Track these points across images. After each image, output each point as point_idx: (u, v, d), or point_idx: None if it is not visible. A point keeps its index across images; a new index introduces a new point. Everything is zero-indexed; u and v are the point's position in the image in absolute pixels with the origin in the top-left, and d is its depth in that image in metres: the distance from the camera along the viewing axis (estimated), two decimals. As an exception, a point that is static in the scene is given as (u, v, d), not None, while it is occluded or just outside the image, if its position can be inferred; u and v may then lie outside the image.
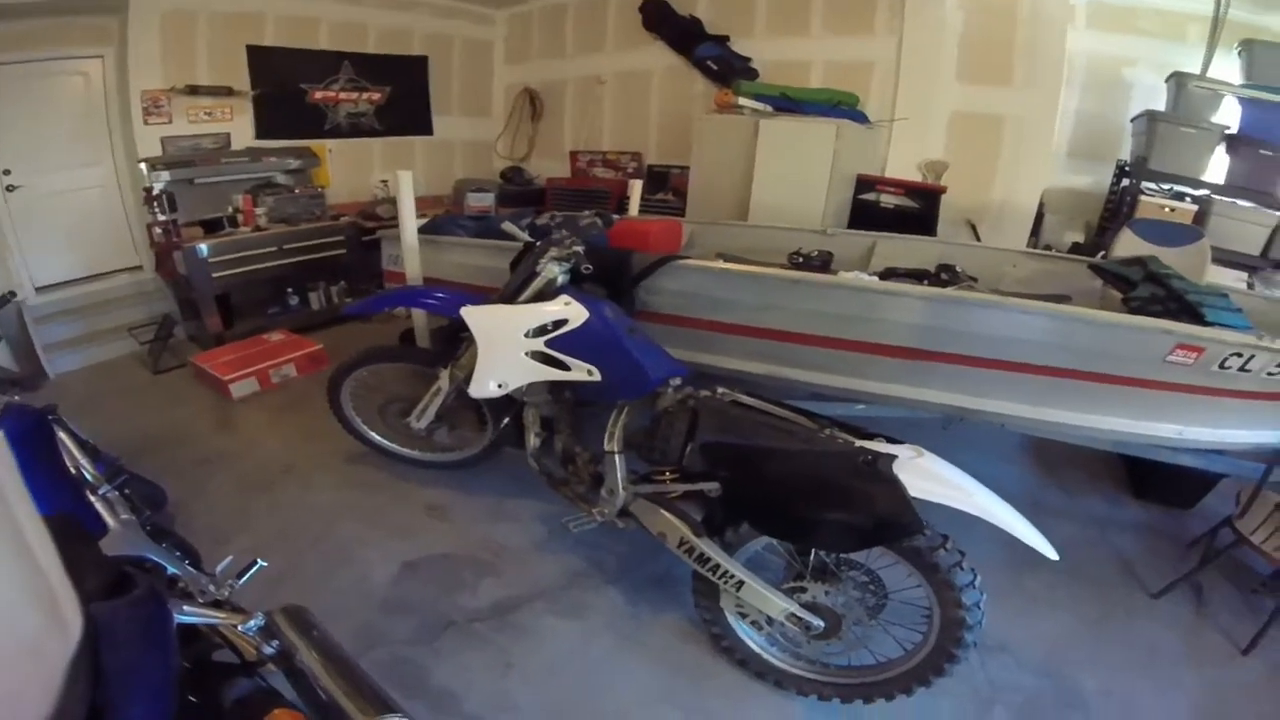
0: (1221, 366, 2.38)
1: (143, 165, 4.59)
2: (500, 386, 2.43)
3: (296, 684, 0.97)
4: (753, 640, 2.27)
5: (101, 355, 4.59)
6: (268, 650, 1.00)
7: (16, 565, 0.55)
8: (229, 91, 5.08)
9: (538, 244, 2.59)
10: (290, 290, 5.15)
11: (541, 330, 2.35)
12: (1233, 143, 4.53)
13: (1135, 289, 2.96)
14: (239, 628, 1.00)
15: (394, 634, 2.41)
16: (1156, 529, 3.20)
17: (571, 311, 2.33)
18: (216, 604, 1.07)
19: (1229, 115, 4.58)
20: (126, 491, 1.81)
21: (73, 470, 1.79)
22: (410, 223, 3.37)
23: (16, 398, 2.36)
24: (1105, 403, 2.57)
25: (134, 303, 4.87)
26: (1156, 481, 3.33)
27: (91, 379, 4.36)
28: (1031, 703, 2.29)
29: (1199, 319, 2.51)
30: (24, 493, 0.59)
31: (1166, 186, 4.65)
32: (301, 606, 1.09)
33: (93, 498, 1.53)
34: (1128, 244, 3.80)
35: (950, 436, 2.79)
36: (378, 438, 3.32)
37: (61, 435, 1.93)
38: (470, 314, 2.48)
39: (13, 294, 4.07)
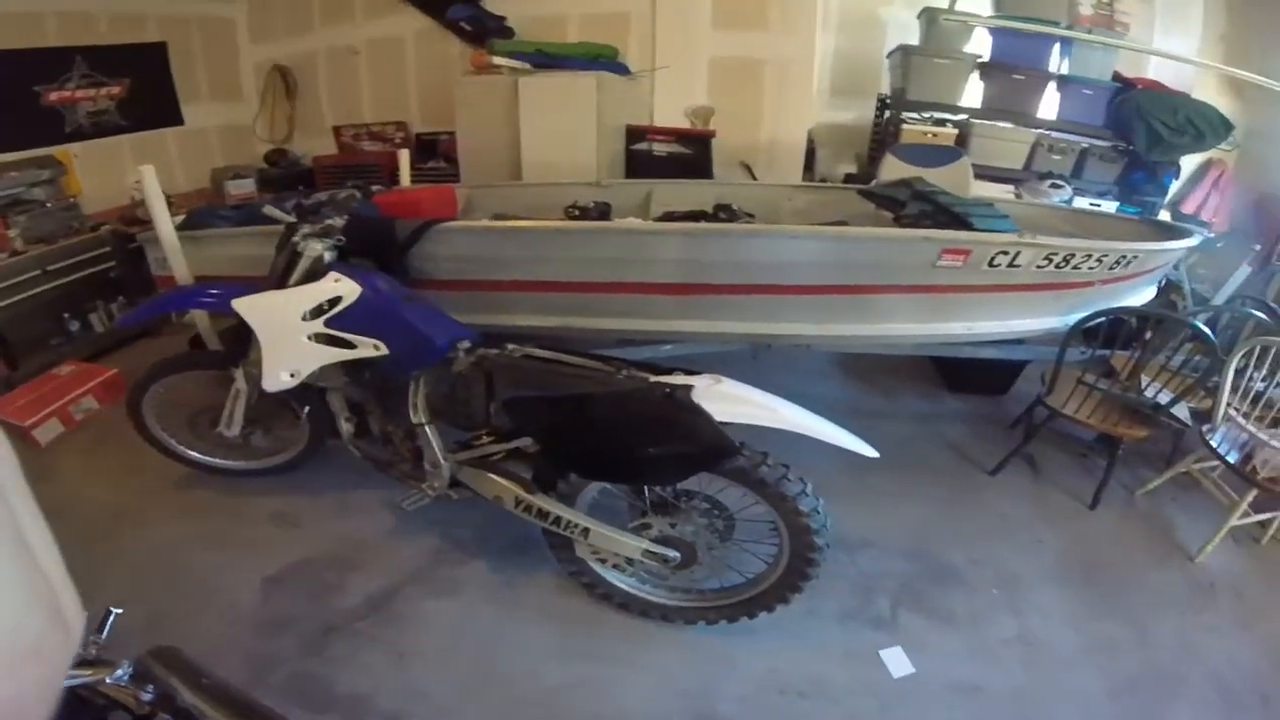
0: (991, 265, 2.61)
1: None
2: (293, 376, 2.38)
3: None
4: (623, 582, 2.34)
5: None
6: (145, 697, 0.97)
7: (19, 567, 0.55)
8: None
9: (298, 224, 2.53)
10: (68, 316, 4.66)
11: (318, 311, 2.30)
12: (986, 69, 4.97)
13: (905, 208, 3.19)
14: (108, 680, 0.96)
15: (281, 654, 2.32)
16: (978, 416, 3.50)
17: (343, 288, 2.29)
18: (83, 664, 0.98)
19: (981, 45, 5.00)
20: None
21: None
22: (165, 221, 3.14)
23: None
24: (894, 312, 2.77)
25: None
26: (967, 376, 3.63)
27: None
28: (908, 585, 2.46)
29: (968, 227, 2.72)
30: (27, 493, 0.60)
31: (926, 115, 5.04)
32: (169, 646, 1.07)
33: None
34: (892, 168, 4.16)
35: (764, 364, 2.96)
36: (198, 455, 3.12)
37: None
38: (242, 305, 2.39)
39: None
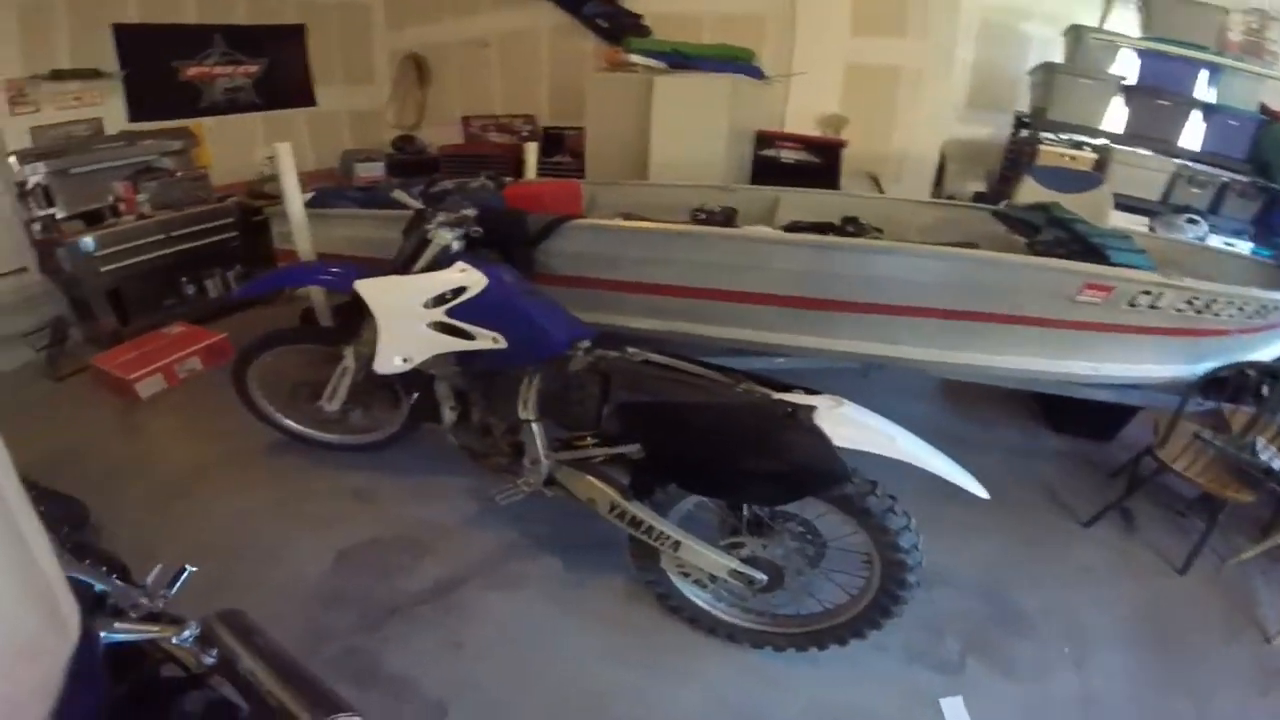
0: (1131, 304, 2.44)
1: (12, 159, 4.17)
2: (405, 361, 2.34)
3: (243, 691, 0.94)
4: (699, 598, 2.25)
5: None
6: (207, 660, 0.97)
7: (16, 566, 0.54)
8: (96, 74, 4.66)
9: (429, 211, 2.48)
10: (185, 279, 4.80)
11: (440, 300, 2.26)
12: (1130, 93, 4.69)
13: (1039, 233, 3.02)
14: (174, 640, 0.95)
15: (339, 627, 2.33)
16: (1076, 458, 3.28)
17: (469, 278, 2.25)
18: (152, 617, 1.02)
19: (1127, 66, 4.72)
20: (41, 509, 1.73)
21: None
22: (295, 197, 3.19)
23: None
24: (1018, 343, 2.61)
25: (24, 308, 4.42)
26: (1073, 415, 3.39)
27: None
28: (980, 628, 2.35)
29: (1104, 260, 2.55)
30: (22, 494, 0.58)
31: (1065, 136, 4.76)
32: (237, 610, 1.06)
33: None
34: (1029, 191, 3.95)
35: (870, 382, 2.84)
36: (292, 424, 3.17)
37: None
38: (365, 287, 2.37)
39: None
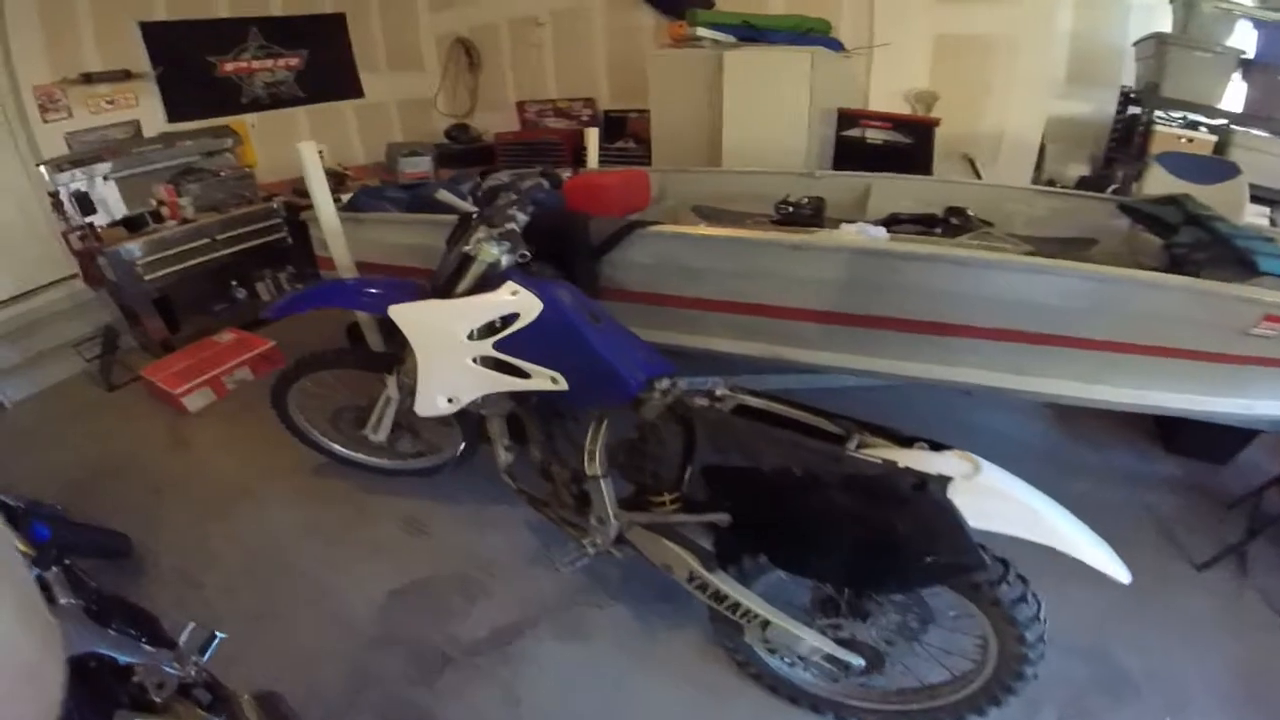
0: None
1: (42, 169, 4.08)
2: (450, 402, 2.03)
3: None
4: (783, 670, 1.99)
5: (53, 377, 4.21)
6: None
7: (14, 593, 0.54)
8: (127, 75, 4.56)
9: (475, 215, 2.13)
10: (235, 283, 4.69)
11: (489, 329, 1.92)
12: (1249, 69, 4.19)
13: (1176, 233, 2.62)
14: None
15: (387, 674, 2.19)
16: (1192, 486, 2.96)
17: (521, 303, 1.88)
18: (184, 688, 1.00)
19: (1243, 39, 4.22)
20: (67, 563, 1.62)
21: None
22: (326, 202, 2.92)
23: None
24: (1170, 378, 2.23)
25: (74, 316, 4.38)
26: (1188, 436, 3.05)
27: (45, 405, 4.01)
28: (1078, 696, 2.10)
29: (1251, 267, 2.22)
30: (7, 531, 0.62)
31: (1178, 115, 4.29)
32: (275, 694, 1.05)
33: None
34: (1158, 180, 3.52)
35: (969, 398, 2.60)
36: (338, 448, 2.96)
37: None
38: (400, 314, 2.03)
39: None
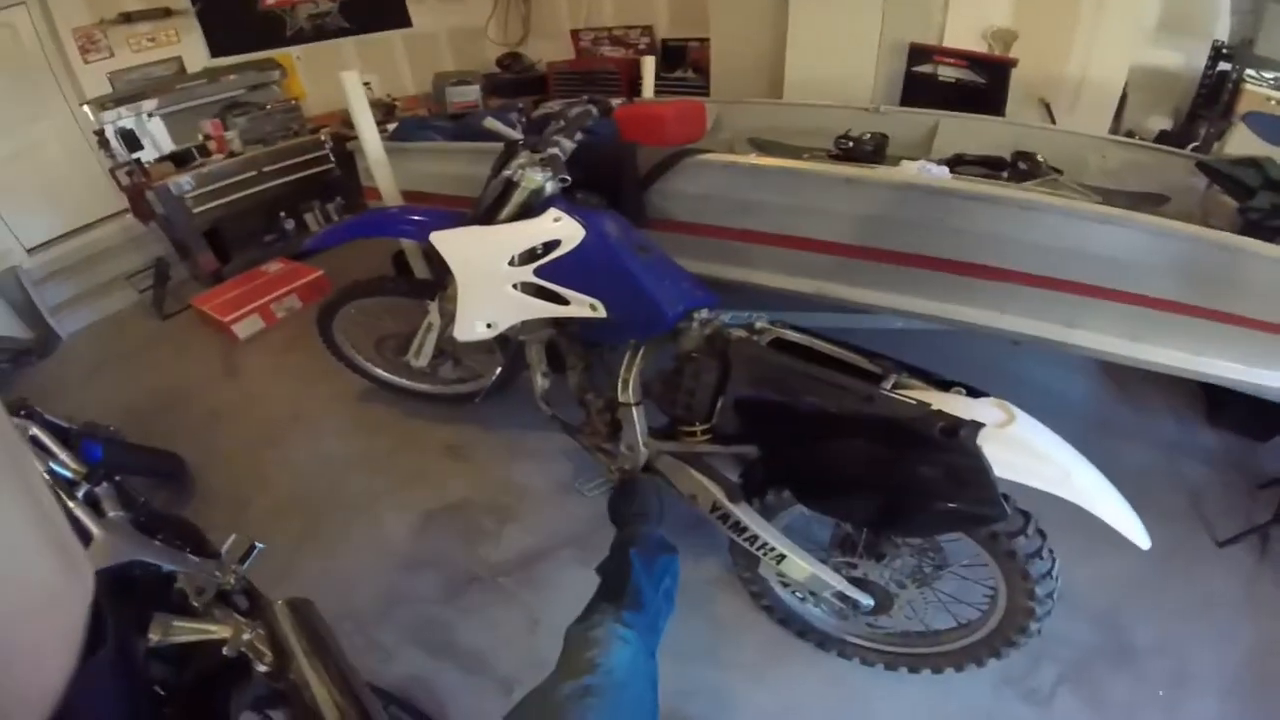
0: None
1: (86, 108, 4.14)
2: (489, 327, 2.02)
3: (289, 696, 0.93)
4: (795, 605, 2.05)
5: (108, 308, 4.36)
6: (261, 668, 0.95)
7: (33, 510, 0.51)
8: (167, 13, 4.51)
9: (520, 143, 2.07)
10: (284, 215, 4.75)
11: (530, 255, 1.89)
12: None
13: (1253, 197, 2.48)
14: (226, 650, 0.93)
15: (417, 592, 2.30)
16: (1228, 460, 2.89)
17: (563, 230, 1.86)
18: (222, 595, 1.03)
19: None
20: (117, 480, 1.71)
21: (45, 477, 1.60)
22: (371, 132, 2.91)
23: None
24: (1231, 346, 2.11)
25: (128, 249, 4.54)
26: (1235, 408, 2.93)
27: (100, 335, 4.17)
28: (1082, 658, 2.13)
29: None
30: (21, 443, 0.53)
31: (1272, 75, 3.97)
32: (306, 601, 1.04)
33: (71, 504, 1.44)
34: (1242, 140, 3.44)
35: (1019, 349, 2.53)
36: (383, 373, 3.03)
37: (35, 432, 1.88)
38: (442, 240, 2.03)
39: None
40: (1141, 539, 1.51)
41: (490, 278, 1.95)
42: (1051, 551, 1.59)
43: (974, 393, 1.54)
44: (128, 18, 4.39)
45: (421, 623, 2.19)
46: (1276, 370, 2.12)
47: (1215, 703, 2.07)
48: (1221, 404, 3.02)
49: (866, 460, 1.52)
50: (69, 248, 4.40)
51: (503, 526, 2.52)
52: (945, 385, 1.58)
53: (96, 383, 3.63)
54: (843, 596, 1.78)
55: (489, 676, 2.04)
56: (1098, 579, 2.32)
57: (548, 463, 2.75)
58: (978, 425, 1.38)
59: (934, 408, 1.44)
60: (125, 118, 4.18)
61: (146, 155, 4.24)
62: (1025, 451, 1.44)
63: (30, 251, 4.25)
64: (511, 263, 1.91)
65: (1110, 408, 3.13)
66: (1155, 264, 2.03)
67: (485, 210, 2.01)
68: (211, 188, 4.23)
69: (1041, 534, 1.58)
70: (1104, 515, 1.48)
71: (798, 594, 1.98)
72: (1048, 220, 2.08)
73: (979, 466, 1.38)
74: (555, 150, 1.94)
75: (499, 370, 2.68)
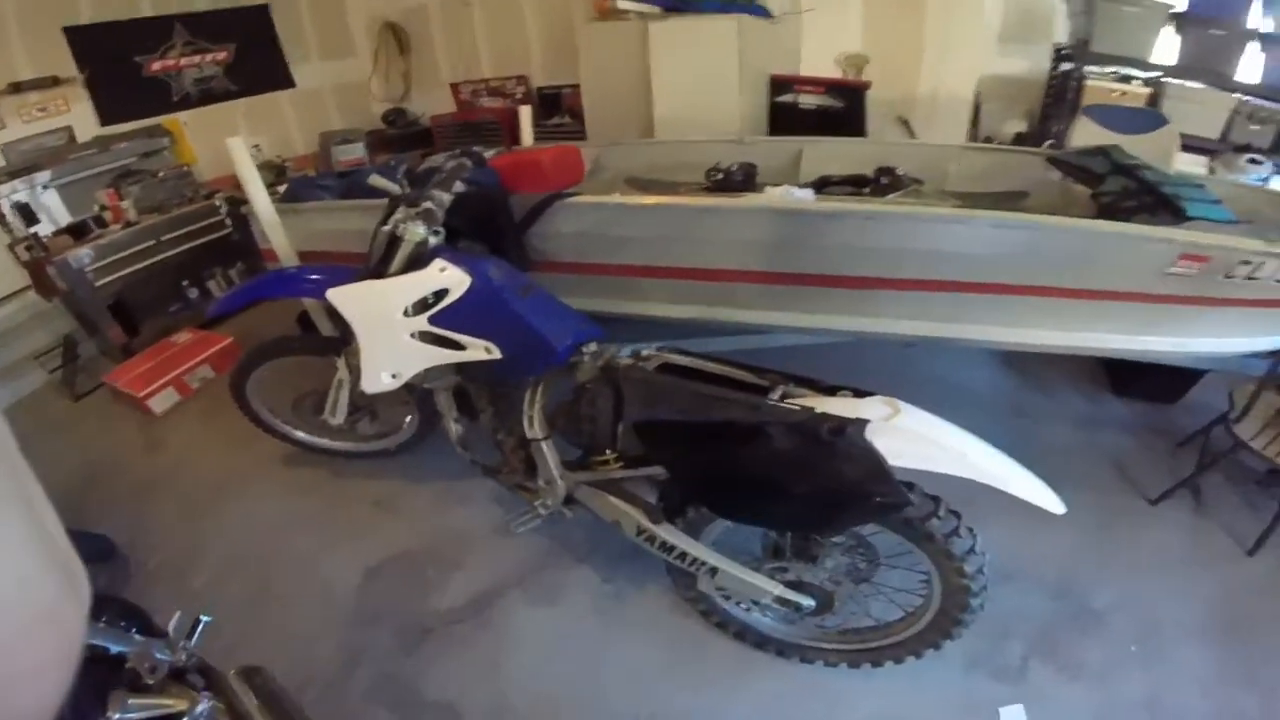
0: (1228, 276, 2.17)
1: None
2: (394, 377, 2.14)
3: None
4: (743, 616, 2.14)
5: (18, 391, 4.22)
6: None
7: (35, 534, 0.54)
8: (55, 81, 4.50)
9: (403, 198, 2.21)
10: (186, 283, 4.72)
11: (423, 305, 2.03)
12: (1181, 21, 4.34)
13: (1103, 182, 2.74)
14: (185, 716, 0.96)
15: (373, 649, 2.32)
16: (1143, 426, 3.12)
17: (450, 278, 2.00)
18: (177, 673, 1.03)
19: None
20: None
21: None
22: (260, 194, 2.98)
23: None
24: (1096, 319, 2.37)
25: (33, 327, 4.40)
26: (1137, 378, 3.19)
27: (13, 420, 3.70)
28: (1046, 630, 2.24)
29: (1178, 212, 2.32)
30: (23, 462, 0.57)
31: (1111, 70, 4.43)
32: (259, 668, 1.09)
33: None
34: (1086, 132, 3.65)
35: (915, 351, 2.69)
36: (303, 435, 3.08)
37: None
38: (338, 296, 2.15)
39: None
40: (1054, 504, 1.57)
41: (388, 329, 2.08)
42: (971, 530, 1.68)
43: (860, 394, 1.62)
44: (17, 88, 4.36)
45: (385, 680, 2.21)
46: (1154, 335, 2.38)
47: (1189, 647, 2.17)
48: (1123, 375, 3.23)
49: (764, 468, 1.59)
50: None
51: (447, 574, 2.57)
52: (832, 390, 1.66)
53: None
54: (783, 600, 1.86)
55: None
56: (1042, 555, 2.43)
57: (480, 507, 2.83)
58: (864, 421, 1.46)
59: (819, 410, 1.52)
60: (19, 190, 4.15)
61: (44, 229, 4.20)
62: (916, 439, 1.52)
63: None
64: (406, 313, 2.04)
65: (1018, 394, 3.31)
66: (1009, 254, 2.26)
67: (376, 264, 2.15)
68: (112, 259, 4.20)
69: (956, 515, 1.67)
70: (1007, 488, 1.55)
71: (741, 604, 2.06)
72: (901, 226, 2.29)
73: (872, 459, 1.45)
74: (430, 204, 2.09)
75: (410, 420, 2.79)
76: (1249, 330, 2.40)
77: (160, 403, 3.85)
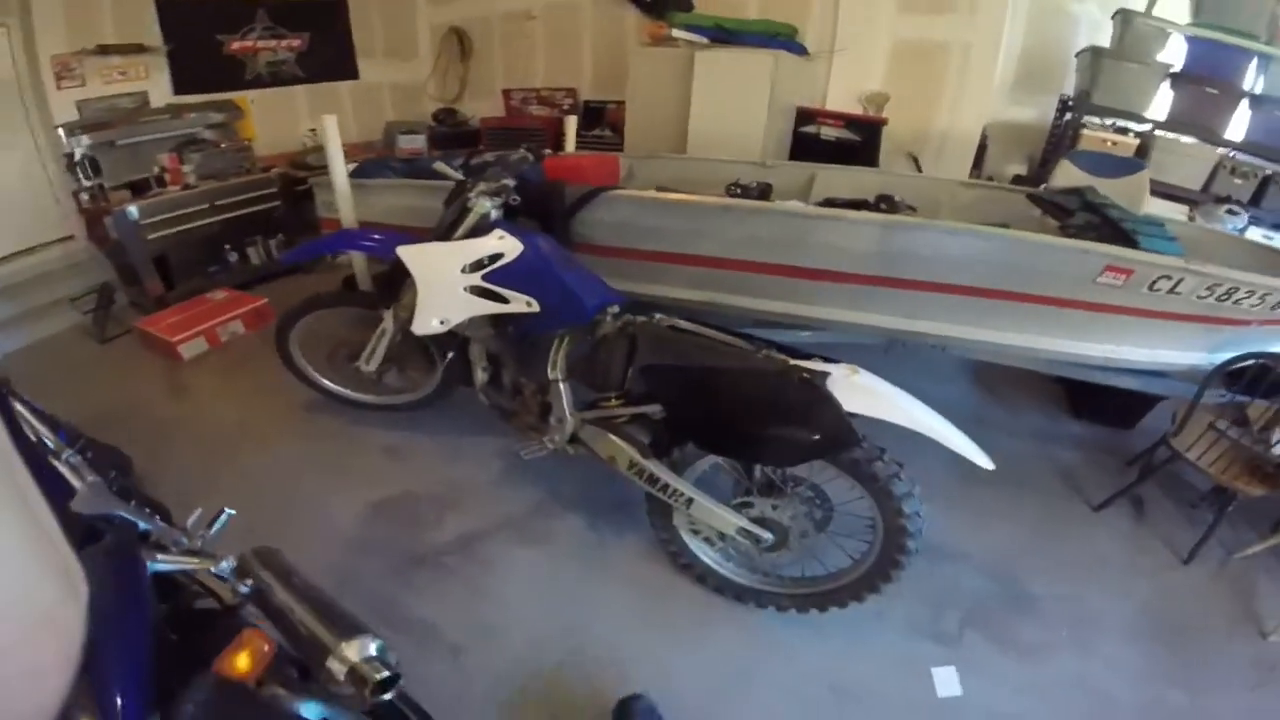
0: (1151, 288, 2.49)
1: (60, 130, 4.43)
2: (442, 323, 2.48)
3: (275, 621, 1.01)
4: (708, 556, 2.41)
5: (45, 330, 4.47)
6: (243, 590, 1.07)
7: (33, 538, 0.55)
8: (140, 49, 4.86)
9: (469, 181, 2.62)
10: (228, 247, 5.05)
11: (478, 265, 2.39)
12: (1177, 79, 4.61)
13: (1072, 217, 3.06)
14: (212, 570, 1.06)
15: (365, 572, 2.52)
16: (1097, 445, 3.38)
17: (506, 245, 2.38)
18: (190, 553, 1.11)
19: (1175, 52, 4.64)
20: (88, 455, 1.78)
21: (33, 438, 1.80)
22: (340, 168, 3.34)
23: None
24: (1039, 323, 2.70)
25: (70, 274, 4.70)
26: (1096, 402, 3.47)
27: (37, 356, 4.26)
28: (982, 605, 2.46)
29: (1132, 244, 2.60)
30: (21, 466, 0.58)
31: (1109, 121, 4.76)
32: (272, 548, 1.17)
33: (56, 463, 1.51)
34: (1066, 174, 3.89)
35: (894, 360, 2.91)
36: (330, 384, 3.39)
37: (17, 406, 1.88)
38: (407, 253, 2.51)
39: None
40: (984, 461, 1.90)
41: (446, 281, 2.43)
42: (911, 479, 1.98)
43: (828, 360, 1.97)
44: (104, 50, 4.68)
45: (373, 599, 2.40)
46: (1088, 342, 2.70)
47: (1120, 639, 2.38)
48: (1084, 400, 3.53)
49: (745, 405, 1.96)
50: (9, 269, 4.52)
51: (443, 514, 2.82)
52: (806, 357, 2.01)
53: (38, 395, 3.56)
54: (745, 533, 2.15)
55: (438, 644, 2.26)
56: (984, 545, 2.68)
57: (483, 462, 3.10)
58: (826, 374, 1.86)
59: (793, 363, 1.93)
60: (92, 144, 4.47)
61: (107, 182, 4.52)
62: (868, 393, 1.87)
63: (-31, 271, 4.33)
64: (464, 270, 2.40)
65: (982, 408, 3.63)
66: (958, 258, 2.62)
67: (443, 231, 2.56)
68: (165, 216, 4.53)
69: (899, 464, 1.97)
70: (944, 441, 1.88)
71: (709, 540, 2.35)
72: (871, 231, 2.69)
73: (830, 403, 1.81)
74: (505, 181, 2.53)
75: (437, 384, 3.12)
76: (1177, 344, 2.70)
77: (189, 349, 4.11)
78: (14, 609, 0.52)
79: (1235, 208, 4.40)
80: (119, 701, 0.64)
